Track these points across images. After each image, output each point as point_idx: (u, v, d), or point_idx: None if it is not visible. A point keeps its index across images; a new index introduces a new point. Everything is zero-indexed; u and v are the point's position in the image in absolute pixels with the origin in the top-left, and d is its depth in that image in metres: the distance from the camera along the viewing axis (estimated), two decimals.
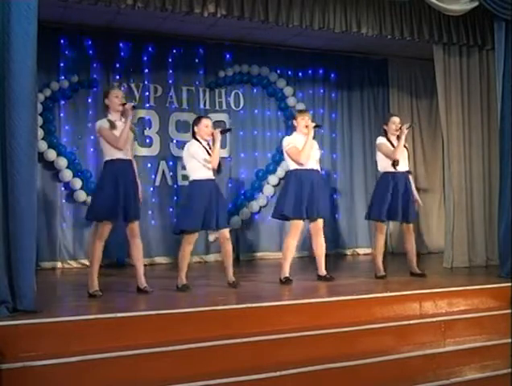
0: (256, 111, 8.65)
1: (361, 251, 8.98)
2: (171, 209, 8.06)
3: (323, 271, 5.87)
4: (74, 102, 7.69)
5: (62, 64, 7.60)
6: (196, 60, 8.27)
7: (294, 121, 5.98)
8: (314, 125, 5.86)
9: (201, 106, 8.28)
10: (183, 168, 7.96)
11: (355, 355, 4.29)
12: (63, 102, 7.63)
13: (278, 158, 8.46)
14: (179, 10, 5.55)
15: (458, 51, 6.90)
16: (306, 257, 8.05)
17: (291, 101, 8.71)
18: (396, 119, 6.13)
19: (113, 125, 5.03)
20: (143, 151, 7.93)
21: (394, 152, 5.95)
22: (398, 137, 6.00)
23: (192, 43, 8.15)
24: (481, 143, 6.97)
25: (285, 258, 5.82)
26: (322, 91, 9.02)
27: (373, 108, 9.24)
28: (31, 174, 4.22)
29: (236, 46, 8.40)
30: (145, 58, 7.99)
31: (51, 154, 7.40)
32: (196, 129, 5.47)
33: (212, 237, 7.88)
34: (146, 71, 8.00)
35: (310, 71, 8.92)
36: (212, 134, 5.45)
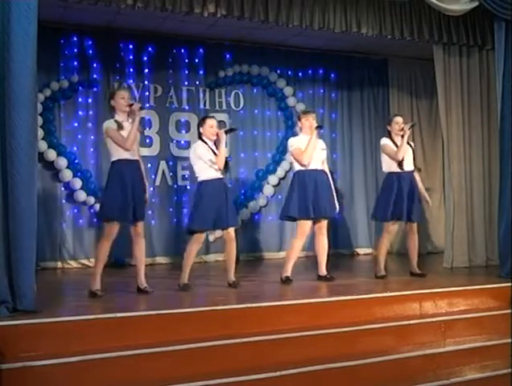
0: (256, 111, 8.64)
1: (361, 251, 8.98)
2: (171, 209, 8.06)
3: (323, 271, 5.87)
4: (74, 102, 7.69)
5: (62, 64, 7.59)
6: (196, 60, 8.27)
7: (298, 122, 5.99)
8: (315, 126, 5.85)
9: (201, 106, 8.27)
10: (184, 168, 8.08)
11: (355, 355, 4.29)
12: (63, 102, 7.62)
13: (278, 158, 8.47)
14: (179, 10, 5.55)
15: (458, 51, 6.89)
16: (310, 257, 8.02)
17: (291, 101, 8.70)
18: (399, 119, 6.12)
19: (120, 126, 5.02)
20: (143, 151, 7.81)
21: (396, 153, 5.94)
22: (403, 137, 6.00)
23: (192, 43, 8.14)
24: (481, 143, 6.97)
25: (289, 258, 5.82)
26: (322, 91, 9.01)
27: (373, 108, 9.23)
28: (31, 174, 4.22)
29: (236, 46, 8.39)
30: (145, 58, 7.98)
31: (51, 154, 7.40)
32: (201, 130, 5.49)
33: (212, 237, 7.89)
34: (146, 71, 7.99)
35: (310, 71, 8.91)
36: (217, 134, 5.46)
